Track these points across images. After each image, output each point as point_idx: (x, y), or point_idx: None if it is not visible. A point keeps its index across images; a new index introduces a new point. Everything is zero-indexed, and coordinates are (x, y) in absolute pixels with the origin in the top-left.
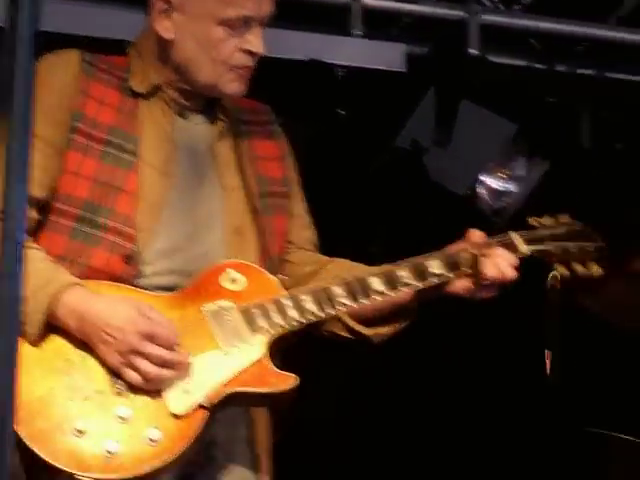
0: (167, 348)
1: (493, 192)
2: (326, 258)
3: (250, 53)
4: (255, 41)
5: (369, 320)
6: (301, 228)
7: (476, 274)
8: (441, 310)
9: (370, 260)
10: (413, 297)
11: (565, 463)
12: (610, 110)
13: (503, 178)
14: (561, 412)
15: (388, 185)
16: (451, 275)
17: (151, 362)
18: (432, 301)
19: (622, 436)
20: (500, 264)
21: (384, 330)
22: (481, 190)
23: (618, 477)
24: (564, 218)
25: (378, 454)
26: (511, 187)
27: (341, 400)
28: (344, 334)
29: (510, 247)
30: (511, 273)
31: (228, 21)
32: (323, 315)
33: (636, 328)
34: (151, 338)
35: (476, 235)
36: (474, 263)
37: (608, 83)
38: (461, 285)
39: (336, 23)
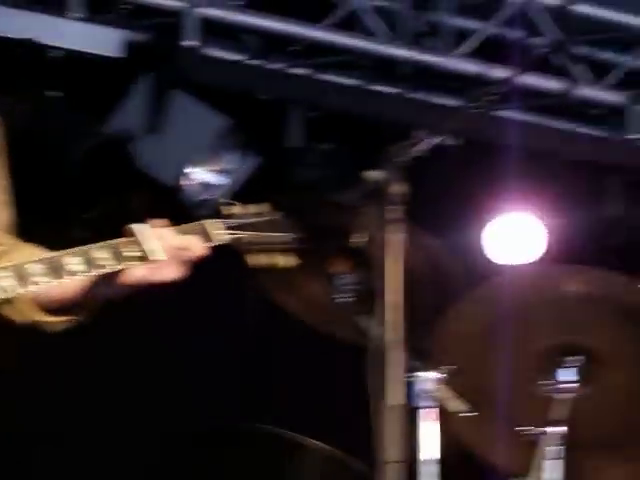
0: None
1: (200, 184)
2: (16, 241)
3: None
4: None
5: (47, 308)
6: None
7: (144, 254)
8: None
9: (72, 244)
10: (90, 293)
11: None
12: (320, 111)
13: (211, 171)
14: (258, 413)
15: (94, 171)
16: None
17: None
18: (114, 299)
19: (312, 441)
20: (164, 236)
21: (59, 321)
22: (187, 182)
23: None
24: (261, 207)
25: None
26: (219, 180)
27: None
28: (17, 318)
29: (202, 235)
30: (174, 241)
31: None
32: (21, 291)
33: (328, 329)
34: None
35: (158, 223)
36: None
37: (320, 84)
38: (137, 271)
39: (55, 4)
